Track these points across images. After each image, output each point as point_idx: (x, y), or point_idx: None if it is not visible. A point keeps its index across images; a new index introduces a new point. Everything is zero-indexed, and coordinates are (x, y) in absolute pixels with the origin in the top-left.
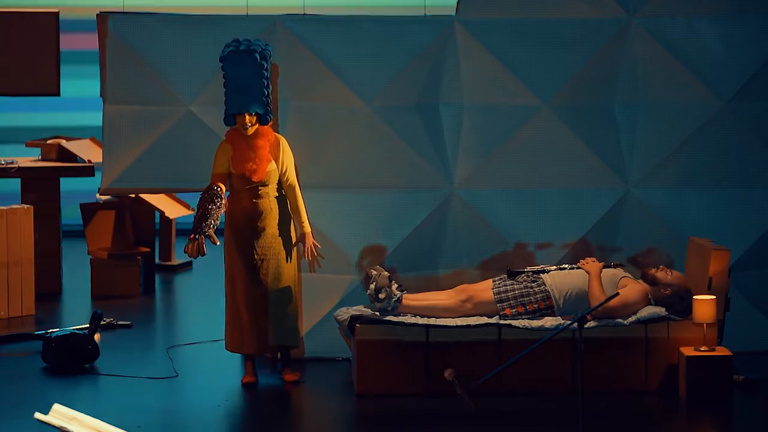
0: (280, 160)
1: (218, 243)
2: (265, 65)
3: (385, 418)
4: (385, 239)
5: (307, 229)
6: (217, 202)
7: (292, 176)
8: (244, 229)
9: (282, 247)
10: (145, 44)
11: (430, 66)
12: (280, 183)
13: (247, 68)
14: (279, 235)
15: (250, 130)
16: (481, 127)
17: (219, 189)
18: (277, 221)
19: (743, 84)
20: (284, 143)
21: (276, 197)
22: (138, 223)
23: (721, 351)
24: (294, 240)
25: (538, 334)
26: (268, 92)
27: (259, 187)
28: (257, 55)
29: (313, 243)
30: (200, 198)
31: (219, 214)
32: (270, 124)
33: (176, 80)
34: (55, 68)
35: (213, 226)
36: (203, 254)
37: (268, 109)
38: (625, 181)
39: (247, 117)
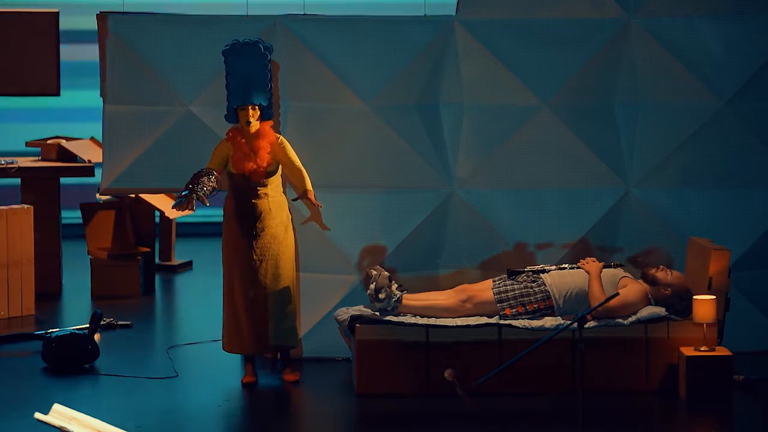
0: (281, 159)
1: (208, 204)
2: (269, 57)
3: (385, 418)
4: (385, 239)
5: (310, 187)
6: (212, 178)
7: (298, 163)
8: (242, 229)
9: (280, 248)
10: (145, 44)
11: (430, 66)
12: (280, 183)
13: (251, 59)
14: (278, 236)
15: (253, 126)
16: (481, 127)
17: (213, 170)
18: (275, 222)
19: (743, 84)
20: (284, 140)
21: (275, 198)
22: (138, 223)
23: (721, 351)
24: (293, 241)
25: (538, 334)
26: (270, 86)
27: (259, 188)
28: (261, 47)
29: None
30: (193, 175)
31: (212, 187)
32: (270, 124)
33: (176, 80)
34: (55, 68)
35: (205, 192)
36: (192, 210)
37: (271, 103)
38: (625, 181)
39: (251, 110)
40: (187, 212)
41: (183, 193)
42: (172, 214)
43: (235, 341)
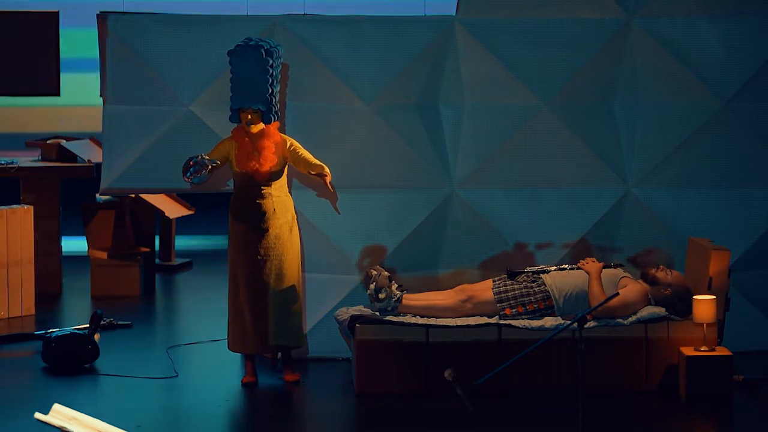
0: (294, 161)
1: (219, 164)
2: (271, 62)
3: (385, 418)
4: (385, 239)
5: (328, 172)
6: (204, 154)
7: (315, 159)
8: (247, 229)
9: (285, 248)
10: (145, 44)
11: (430, 66)
12: (285, 183)
13: (252, 62)
14: (282, 236)
15: (254, 129)
16: (481, 127)
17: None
18: (280, 222)
19: (743, 84)
20: (294, 143)
21: (280, 198)
22: (138, 223)
23: (721, 351)
24: (299, 241)
25: (538, 334)
26: (272, 90)
27: (263, 187)
28: (263, 51)
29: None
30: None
31: (211, 160)
32: (276, 125)
33: (176, 80)
34: (55, 68)
35: (209, 162)
36: (205, 168)
37: (272, 107)
38: (625, 181)
39: (250, 114)
40: (203, 172)
41: (191, 162)
42: (173, 214)
43: (238, 340)
